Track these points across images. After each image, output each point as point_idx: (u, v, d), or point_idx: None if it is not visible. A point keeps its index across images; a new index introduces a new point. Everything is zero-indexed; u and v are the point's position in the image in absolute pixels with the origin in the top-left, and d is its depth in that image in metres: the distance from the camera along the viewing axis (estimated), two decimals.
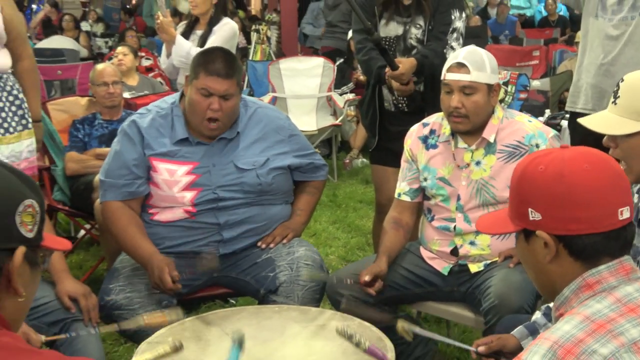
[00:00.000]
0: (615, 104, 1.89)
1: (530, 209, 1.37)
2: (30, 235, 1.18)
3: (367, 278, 2.53)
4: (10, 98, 3.15)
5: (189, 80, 2.75)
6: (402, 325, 2.20)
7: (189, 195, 2.72)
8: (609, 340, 1.23)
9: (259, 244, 2.82)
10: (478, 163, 2.67)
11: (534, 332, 2.08)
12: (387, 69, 3.20)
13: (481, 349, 2.07)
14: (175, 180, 2.72)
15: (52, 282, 2.53)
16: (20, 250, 1.15)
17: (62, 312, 2.45)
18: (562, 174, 1.34)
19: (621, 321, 1.26)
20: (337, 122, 6.62)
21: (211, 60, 2.67)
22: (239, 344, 1.81)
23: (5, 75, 3.14)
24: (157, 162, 2.73)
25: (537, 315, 2.13)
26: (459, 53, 2.66)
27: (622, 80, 1.91)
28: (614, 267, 1.35)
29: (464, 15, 3.38)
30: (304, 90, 6.85)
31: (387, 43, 3.32)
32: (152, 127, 2.76)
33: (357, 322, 2.22)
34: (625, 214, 1.34)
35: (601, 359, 1.21)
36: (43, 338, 2.27)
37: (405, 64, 3.19)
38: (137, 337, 2.43)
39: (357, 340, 1.98)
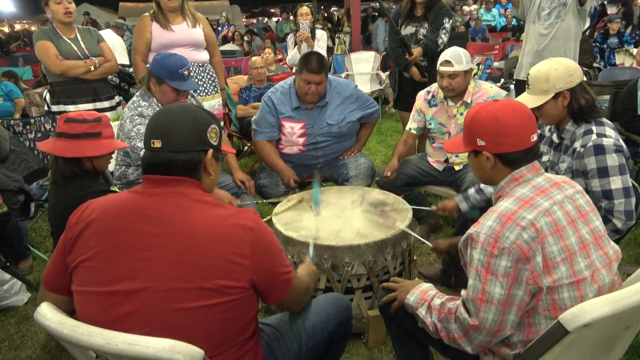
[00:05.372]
0: (529, 88, 1.78)
1: (478, 139, 1.29)
2: (214, 143, 1.19)
3: (388, 174, 2.58)
4: (209, 76, 3.16)
5: (297, 72, 2.62)
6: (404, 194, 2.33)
7: (301, 140, 2.67)
8: (531, 210, 1.19)
9: (339, 157, 2.78)
10: (461, 114, 2.54)
11: (466, 198, 2.07)
12: (406, 55, 3.08)
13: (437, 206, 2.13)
14: (294, 131, 2.66)
15: (230, 172, 2.61)
16: (210, 151, 1.18)
17: (236, 188, 2.53)
18: (497, 117, 1.26)
19: (537, 199, 1.22)
20: (382, 87, 6.39)
21: (310, 62, 2.52)
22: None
23: (206, 64, 3.14)
24: (284, 121, 2.66)
25: (471, 191, 2.08)
26: (447, 53, 2.45)
27: (529, 74, 1.78)
28: (530, 167, 1.28)
29: (451, 20, 3.13)
30: (364, 70, 6.62)
31: (406, 38, 3.16)
32: (278, 99, 2.67)
33: (392, 196, 2.22)
34: (534, 137, 1.27)
35: (528, 222, 1.17)
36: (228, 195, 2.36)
37: (416, 51, 3.07)
38: (275, 204, 2.47)
39: (380, 208, 2.06)
